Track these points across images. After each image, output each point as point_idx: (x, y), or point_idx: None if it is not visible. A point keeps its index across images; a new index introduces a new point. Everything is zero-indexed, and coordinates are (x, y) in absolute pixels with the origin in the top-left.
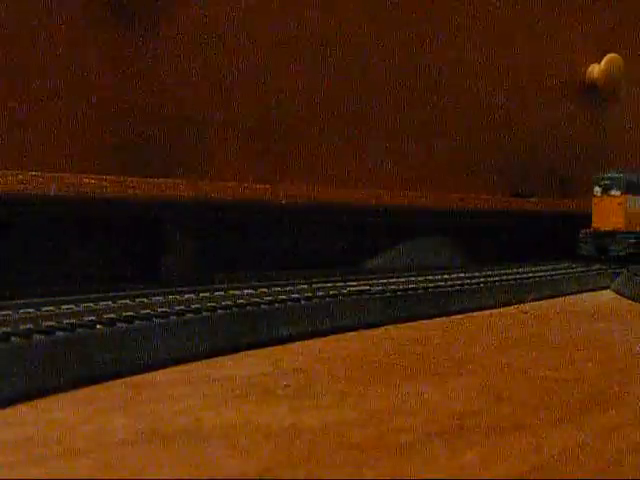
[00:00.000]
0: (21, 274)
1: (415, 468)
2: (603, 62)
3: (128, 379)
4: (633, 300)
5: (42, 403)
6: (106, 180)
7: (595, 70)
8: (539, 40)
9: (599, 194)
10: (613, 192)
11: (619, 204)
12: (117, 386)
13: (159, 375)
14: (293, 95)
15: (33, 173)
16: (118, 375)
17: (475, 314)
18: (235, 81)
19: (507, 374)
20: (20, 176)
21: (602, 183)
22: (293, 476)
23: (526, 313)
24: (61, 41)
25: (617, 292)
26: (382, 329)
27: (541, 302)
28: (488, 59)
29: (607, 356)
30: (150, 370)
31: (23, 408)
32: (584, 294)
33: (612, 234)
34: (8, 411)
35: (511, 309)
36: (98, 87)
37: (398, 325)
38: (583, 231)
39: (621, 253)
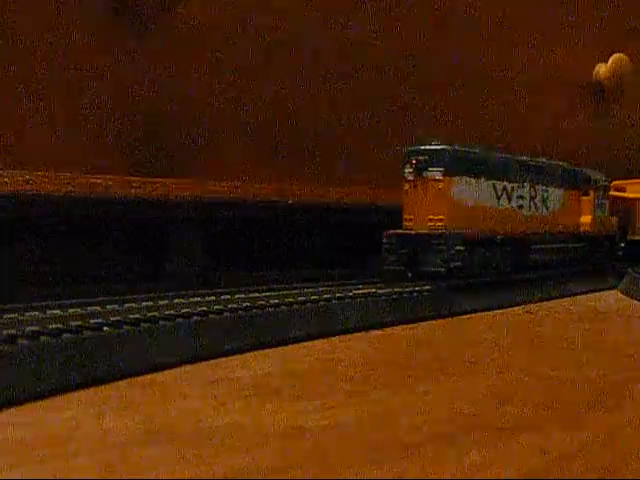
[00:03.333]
0: (28, 274)
1: (421, 468)
2: (609, 62)
3: (133, 379)
4: (638, 301)
5: (46, 403)
6: (111, 180)
7: (601, 70)
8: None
9: (411, 177)
10: (431, 172)
11: (439, 191)
12: (122, 386)
13: (164, 375)
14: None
15: (39, 173)
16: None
17: (480, 314)
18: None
19: (512, 374)
20: (27, 176)
21: (416, 159)
22: (299, 476)
23: (532, 313)
24: (68, 43)
25: (624, 292)
26: (388, 330)
27: (547, 302)
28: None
29: (612, 357)
30: (156, 370)
31: (27, 408)
32: (590, 294)
33: (426, 238)
34: (10, 411)
35: (516, 309)
36: (103, 86)
37: (404, 325)
38: (388, 233)
39: (439, 269)
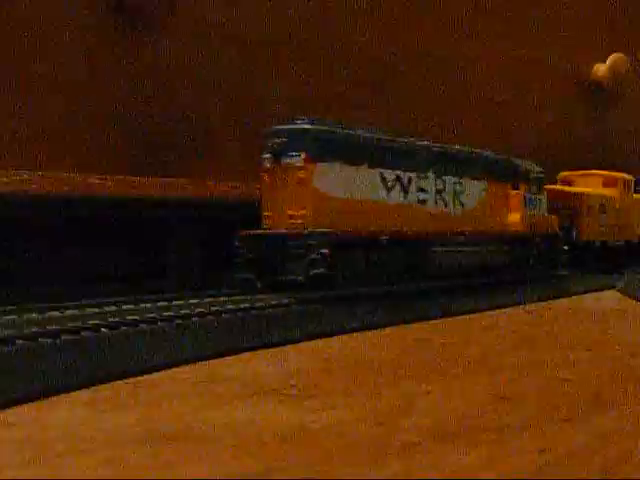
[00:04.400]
0: (23, 275)
1: (421, 468)
2: (608, 61)
3: (134, 379)
4: (638, 300)
5: (46, 403)
6: (111, 180)
7: (600, 69)
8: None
9: (268, 164)
10: (290, 158)
11: (301, 180)
12: (122, 386)
13: (164, 375)
14: None
15: (40, 173)
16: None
17: (480, 314)
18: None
19: (512, 374)
20: (25, 175)
21: (272, 142)
22: (299, 476)
23: (531, 313)
24: (70, 45)
25: (623, 292)
26: (388, 330)
27: (546, 302)
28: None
29: (611, 356)
30: (156, 370)
31: (27, 408)
32: (589, 294)
33: (284, 240)
34: (11, 411)
35: (517, 309)
36: (104, 89)
37: (404, 326)
38: (241, 234)
39: (297, 277)
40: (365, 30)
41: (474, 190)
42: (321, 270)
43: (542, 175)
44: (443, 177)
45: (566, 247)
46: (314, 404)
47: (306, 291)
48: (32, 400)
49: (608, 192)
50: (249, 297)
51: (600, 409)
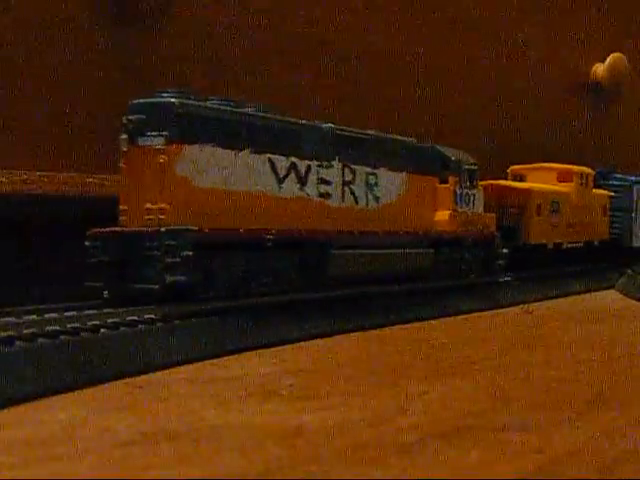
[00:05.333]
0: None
1: (420, 468)
2: (607, 61)
3: (132, 379)
4: (637, 300)
5: (45, 403)
6: (107, 179)
7: (599, 69)
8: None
9: (124, 145)
10: (149, 139)
11: (161, 166)
12: (121, 386)
13: (163, 375)
14: None
15: (39, 173)
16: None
17: (479, 314)
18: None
19: (511, 374)
20: (25, 175)
21: (130, 119)
22: (298, 476)
23: (531, 313)
24: (65, 44)
25: (621, 292)
26: (387, 329)
27: (546, 302)
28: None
29: (610, 356)
30: (154, 370)
31: (26, 408)
32: (588, 294)
33: (138, 239)
34: (10, 411)
35: (515, 309)
36: (101, 85)
37: (403, 325)
38: (92, 232)
39: (150, 286)
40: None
41: (392, 183)
42: (180, 277)
43: (475, 167)
44: (353, 167)
45: (505, 250)
46: (313, 404)
47: (172, 304)
48: (30, 400)
49: (563, 188)
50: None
51: (600, 409)
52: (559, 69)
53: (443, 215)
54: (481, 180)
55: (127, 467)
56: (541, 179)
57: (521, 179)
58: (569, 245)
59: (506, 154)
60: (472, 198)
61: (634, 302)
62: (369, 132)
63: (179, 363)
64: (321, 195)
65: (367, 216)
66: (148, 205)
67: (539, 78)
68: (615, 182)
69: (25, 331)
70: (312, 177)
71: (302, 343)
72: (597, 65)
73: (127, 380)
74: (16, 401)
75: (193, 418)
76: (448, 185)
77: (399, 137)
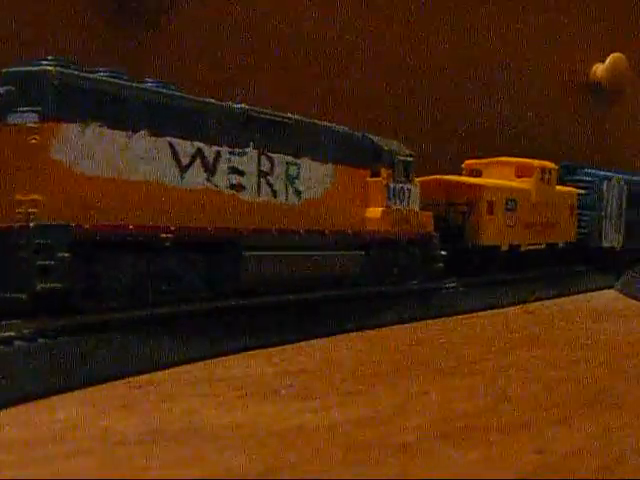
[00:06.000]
0: None
1: (420, 468)
2: (607, 61)
3: (132, 379)
4: (637, 300)
5: (45, 403)
6: None
7: (599, 69)
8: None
9: None
10: (19, 116)
11: (32, 148)
12: (121, 386)
13: (163, 375)
14: None
15: None
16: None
17: (479, 314)
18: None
19: (511, 374)
20: None
21: (3, 91)
22: (298, 476)
23: (531, 313)
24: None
25: (621, 292)
26: (386, 329)
27: (546, 302)
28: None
29: (610, 356)
30: (154, 370)
31: (26, 408)
32: (588, 293)
33: (4, 237)
34: (10, 411)
35: (515, 309)
36: None
37: (402, 325)
38: None
39: (17, 295)
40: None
41: (317, 175)
42: (55, 284)
43: (411, 159)
44: (271, 155)
45: (443, 252)
46: (313, 404)
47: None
48: (30, 400)
49: (521, 184)
50: None
51: (600, 409)
52: (559, 69)
53: (375, 212)
54: (430, 174)
55: (127, 467)
56: (498, 174)
57: (478, 175)
58: (528, 247)
59: (505, 154)
60: (407, 194)
61: (634, 302)
62: (290, 115)
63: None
64: (233, 187)
65: (287, 212)
66: (18, 196)
67: (539, 78)
68: (583, 178)
69: None
70: (222, 166)
71: (302, 343)
72: (597, 65)
73: (127, 380)
74: (16, 401)
75: (193, 418)
76: (380, 179)
77: (325, 123)
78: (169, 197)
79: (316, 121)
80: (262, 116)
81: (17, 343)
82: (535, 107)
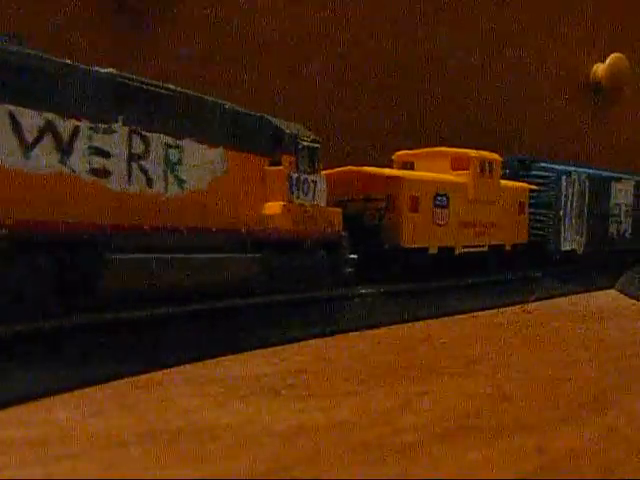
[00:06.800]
0: None
1: (420, 468)
2: (607, 61)
3: (131, 379)
4: (637, 300)
5: (45, 403)
6: None
7: (599, 69)
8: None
9: None
10: None
11: None
12: (120, 386)
13: (162, 375)
14: None
15: None
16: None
17: (479, 313)
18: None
19: (511, 374)
20: None
21: None
22: (299, 476)
23: (530, 313)
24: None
25: (621, 292)
26: (385, 329)
27: (545, 302)
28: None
29: (610, 356)
30: (153, 370)
31: (24, 408)
32: (588, 293)
33: None
34: (10, 411)
35: (515, 309)
36: None
37: (402, 325)
38: None
39: None
40: None
41: (203, 161)
42: None
43: (317, 145)
44: (145, 134)
45: (353, 256)
46: (313, 404)
47: None
48: (29, 400)
49: (455, 177)
50: None
51: (600, 409)
52: (559, 69)
53: (274, 208)
54: (345, 165)
55: (127, 467)
56: (432, 167)
57: (410, 168)
58: (465, 250)
59: (504, 155)
60: (313, 186)
61: (634, 302)
62: (172, 86)
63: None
64: (95, 172)
65: (165, 206)
66: None
67: (539, 78)
68: (539, 173)
69: None
70: (81, 145)
71: (302, 343)
72: (597, 65)
73: (127, 380)
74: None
75: (193, 418)
76: (281, 168)
77: (215, 99)
78: (8, 183)
79: (204, 96)
80: (135, 84)
81: None
82: (535, 107)
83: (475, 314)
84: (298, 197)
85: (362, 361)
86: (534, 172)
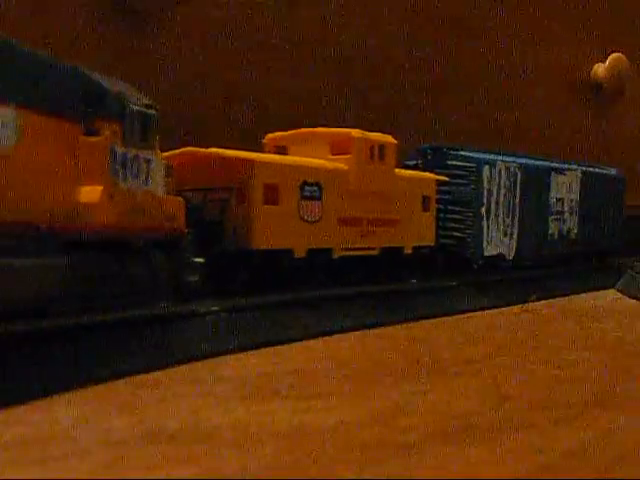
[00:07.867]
0: None
1: (420, 468)
2: (608, 61)
3: (131, 378)
4: (637, 300)
5: (45, 403)
6: None
7: (600, 69)
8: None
9: None
10: None
11: None
12: (121, 386)
13: (163, 374)
14: None
15: None
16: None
17: (478, 313)
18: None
19: (511, 374)
20: None
21: None
22: (299, 476)
23: (530, 313)
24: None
25: (621, 291)
26: (386, 329)
27: (545, 302)
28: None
29: (610, 356)
30: (153, 369)
31: (26, 408)
32: (588, 293)
33: None
34: (10, 411)
35: (515, 308)
36: None
37: (402, 325)
38: None
39: None
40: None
41: None
42: None
43: (153, 112)
44: None
45: (199, 260)
46: (313, 404)
47: None
48: (31, 400)
49: (333, 163)
50: None
51: (600, 409)
52: (559, 69)
53: (89, 194)
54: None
55: (127, 467)
56: (309, 151)
57: (283, 153)
58: (347, 253)
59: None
60: (146, 167)
61: (634, 302)
62: None
63: None
64: None
65: None
66: None
67: (540, 78)
68: (456, 163)
69: None
70: None
71: (302, 343)
72: (597, 65)
73: (127, 380)
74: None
75: (193, 418)
76: (101, 138)
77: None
78: None
79: None
80: None
81: None
82: (536, 106)
83: (475, 314)
84: (125, 180)
85: (362, 361)
86: (451, 162)
